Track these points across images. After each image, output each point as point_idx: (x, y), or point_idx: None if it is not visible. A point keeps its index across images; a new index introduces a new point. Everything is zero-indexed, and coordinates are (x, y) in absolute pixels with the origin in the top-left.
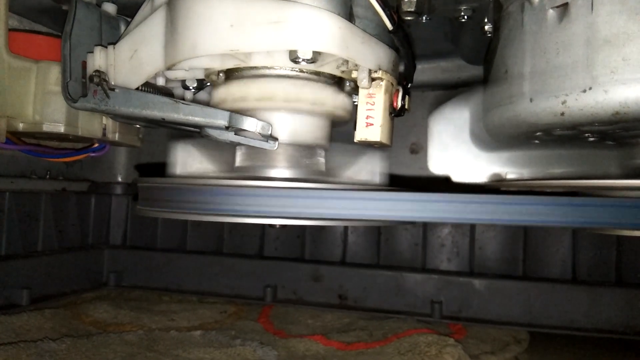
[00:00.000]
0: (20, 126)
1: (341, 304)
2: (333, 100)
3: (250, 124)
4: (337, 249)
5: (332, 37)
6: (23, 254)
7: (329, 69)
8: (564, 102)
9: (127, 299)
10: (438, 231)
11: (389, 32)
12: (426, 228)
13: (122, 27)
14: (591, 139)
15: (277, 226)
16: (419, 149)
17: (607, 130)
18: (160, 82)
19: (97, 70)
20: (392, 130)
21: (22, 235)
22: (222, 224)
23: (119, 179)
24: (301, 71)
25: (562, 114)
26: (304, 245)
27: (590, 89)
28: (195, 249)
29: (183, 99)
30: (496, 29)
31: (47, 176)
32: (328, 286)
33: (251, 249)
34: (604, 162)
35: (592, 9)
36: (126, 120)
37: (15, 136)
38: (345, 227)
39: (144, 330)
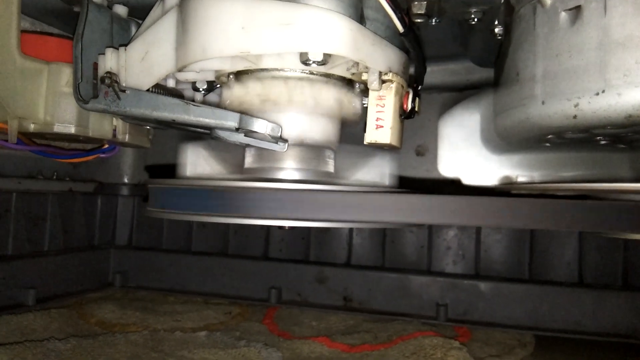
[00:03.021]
0: (32, 127)
1: (346, 306)
2: (343, 102)
3: (260, 126)
4: (342, 250)
5: (342, 39)
6: (29, 254)
7: (340, 71)
8: (576, 105)
9: (133, 300)
10: (444, 234)
11: (400, 34)
12: (432, 230)
13: (133, 29)
14: (603, 142)
15: (287, 228)
16: (424, 151)
17: (619, 134)
18: (171, 83)
19: (108, 72)
20: (402, 132)
21: (29, 236)
22: (227, 225)
23: (126, 180)
24: (312, 73)
25: (575, 116)
26: (308, 247)
27: (603, 91)
28: (200, 250)
29: (193, 101)
30: (507, 31)
31: (54, 177)
32: (333, 288)
33: (256, 250)
34: (615, 165)
35: (605, 12)
36: (137, 122)
37: (26, 137)
38: (351, 229)
39: (149, 330)
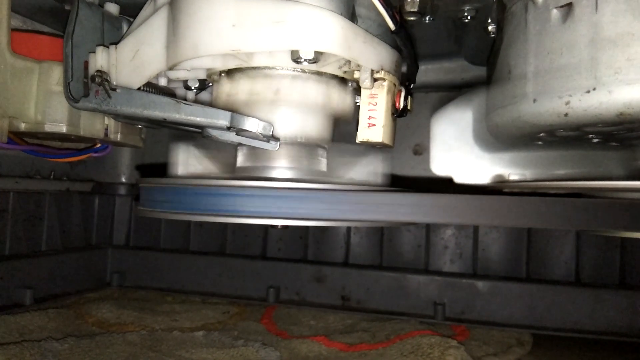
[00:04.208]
0: (22, 126)
1: (344, 305)
2: (335, 100)
3: (251, 124)
4: (340, 250)
5: (334, 37)
6: (27, 253)
7: (331, 69)
8: (567, 103)
9: (130, 299)
10: (441, 233)
11: (392, 32)
12: (429, 229)
13: (124, 27)
14: (595, 140)
15: (279, 227)
16: (422, 150)
17: (611, 131)
18: (162, 82)
19: (99, 70)
20: (395, 130)
21: (26, 235)
22: (225, 224)
23: (123, 180)
24: (303, 71)
25: (566, 114)
26: (306, 246)
27: (594, 89)
28: (198, 250)
29: (185, 99)
30: (500, 29)
31: (51, 176)
32: (331, 287)
33: (254, 249)
34: (607, 163)
35: (596, 9)
36: (128, 121)
37: (17, 136)
38: (348, 228)
39: (147, 330)
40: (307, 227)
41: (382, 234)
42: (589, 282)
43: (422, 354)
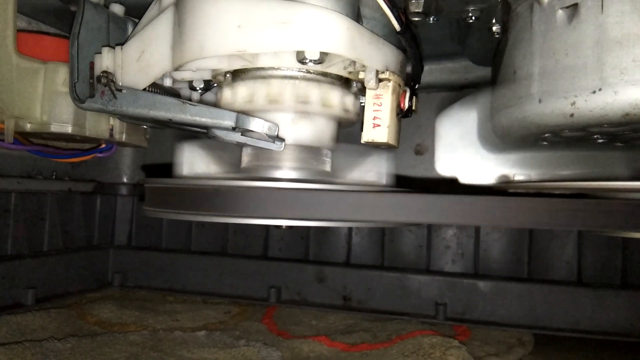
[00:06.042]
0: (28, 126)
1: (345, 305)
2: (340, 101)
3: (257, 125)
4: (342, 250)
5: (339, 37)
6: (29, 254)
7: (336, 69)
8: (573, 103)
9: (132, 299)
10: (443, 233)
11: (397, 33)
12: (431, 230)
13: (130, 28)
14: (600, 141)
15: (284, 227)
16: (423, 150)
17: (616, 132)
18: (168, 83)
19: (104, 71)
20: (399, 131)
21: (28, 235)
22: (227, 224)
23: (125, 180)
24: (308, 72)
25: (572, 115)
26: (308, 246)
27: (600, 90)
28: (199, 250)
29: (190, 100)
30: (504, 30)
31: (53, 176)
32: (332, 287)
33: (255, 249)
34: (612, 163)
35: (602, 10)
36: (133, 121)
37: (23, 136)
38: (350, 228)
39: (148, 330)
40: (308, 227)
41: (384, 234)
42: (591, 283)
43: (423, 354)
